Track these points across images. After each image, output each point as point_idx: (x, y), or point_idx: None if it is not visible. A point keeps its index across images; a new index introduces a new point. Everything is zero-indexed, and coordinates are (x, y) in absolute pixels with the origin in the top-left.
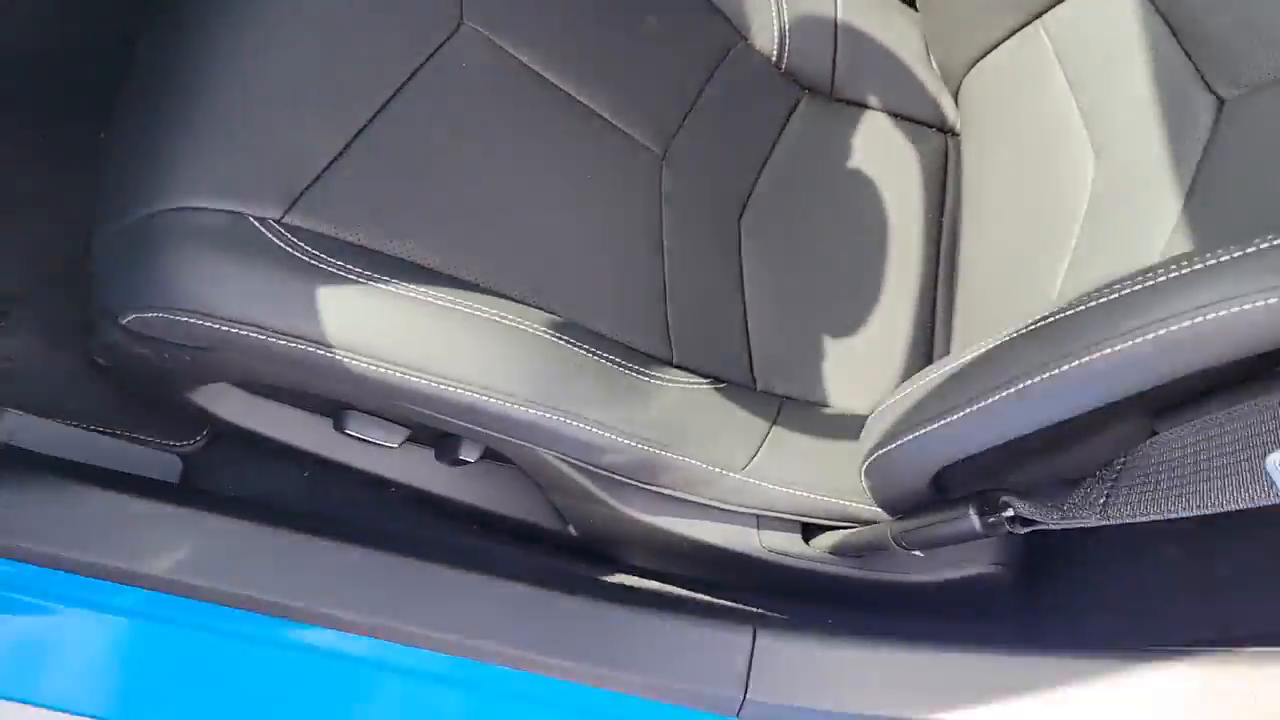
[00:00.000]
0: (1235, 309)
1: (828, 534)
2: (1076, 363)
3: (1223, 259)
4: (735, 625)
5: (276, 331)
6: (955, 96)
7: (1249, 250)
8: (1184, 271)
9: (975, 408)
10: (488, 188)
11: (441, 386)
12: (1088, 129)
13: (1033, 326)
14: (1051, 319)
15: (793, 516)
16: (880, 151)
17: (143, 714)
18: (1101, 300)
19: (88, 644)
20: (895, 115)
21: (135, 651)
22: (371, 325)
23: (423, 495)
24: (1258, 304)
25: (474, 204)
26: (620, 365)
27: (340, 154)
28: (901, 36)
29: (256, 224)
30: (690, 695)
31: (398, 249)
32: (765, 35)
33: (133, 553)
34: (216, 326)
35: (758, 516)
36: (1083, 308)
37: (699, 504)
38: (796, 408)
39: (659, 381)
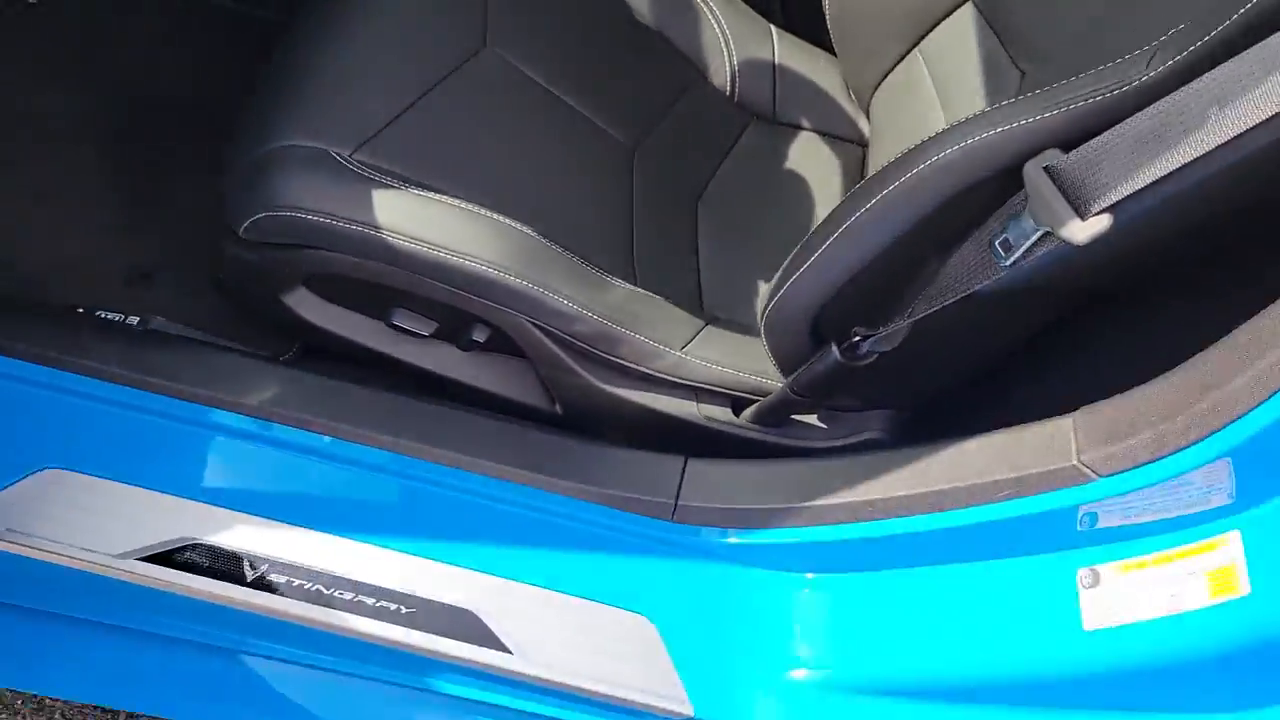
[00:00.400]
0: (955, 147)
1: (751, 407)
2: (882, 194)
3: (962, 122)
4: (670, 455)
5: (344, 218)
6: (868, 115)
7: (969, 119)
8: (940, 130)
9: (824, 247)
10: (497, 155)
11: (454, 258)
12: (943, 110)
13: (858, 186)
14: (870, 177)
15: (723, 390)
16: (811, 161)
17: (230, 499)
18: (899, 156)
19: (198, 453)
20: (823, 133)
21: (230, 459)
22: (409, 215)
23: (446, 382)
24: (968, 141)
25: (486, 164)
26: (588, 265)
27: (392, 120)
28: (825, 73)
29: (334, 155)
30: (633, 502)
31: (430, 183)
32: (720, 74)
33: (238, 390)
34: (305, 217)
35: (696, 390)
36: (887, 164)
37: (651, 377)
38: (729, 322)
39: (618, 283)
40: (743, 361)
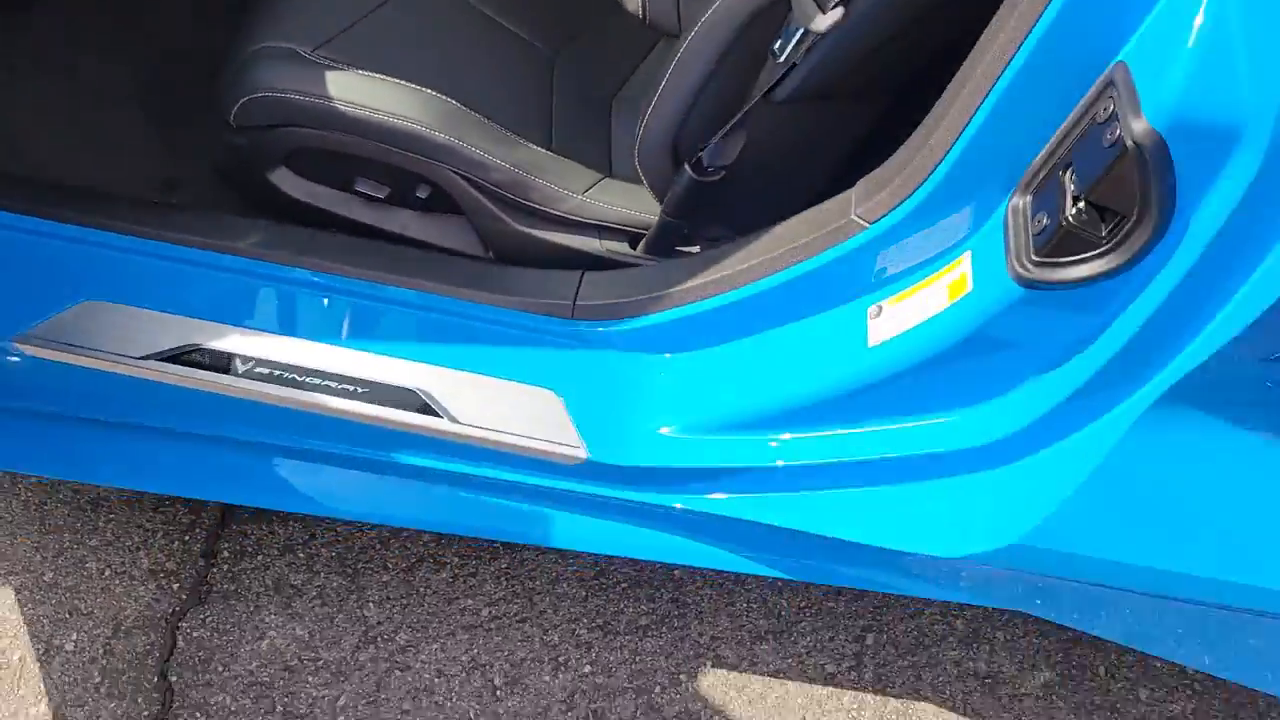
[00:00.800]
0: None
1: (643, 241)
2: (699, 23)
3: None
4: (572, 270)
5: (305, 93)
6: None
7: None
8: None
9: (665, 80)
10: (432, 54)
11: (390, 119)
12: None
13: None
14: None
15: (619, 226)
16: None
17: (225, 315)
18: None
19: (202, 283)
20: None
21: (226, 287)
22: (354, 89)
23: (403, 240)
24: None
25: (422, 59)
26: (507, 130)
27: (346, 28)
28: None
29: (299, 51)
30: (540, 305)
31: (374, 68)
32: (633, 2)
33: (233, 237)
34: (276, 95)
35: (599, 229)
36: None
37: (560, 219)
38: (627, 178)
39: (530, 144)
40: (634, 204)
